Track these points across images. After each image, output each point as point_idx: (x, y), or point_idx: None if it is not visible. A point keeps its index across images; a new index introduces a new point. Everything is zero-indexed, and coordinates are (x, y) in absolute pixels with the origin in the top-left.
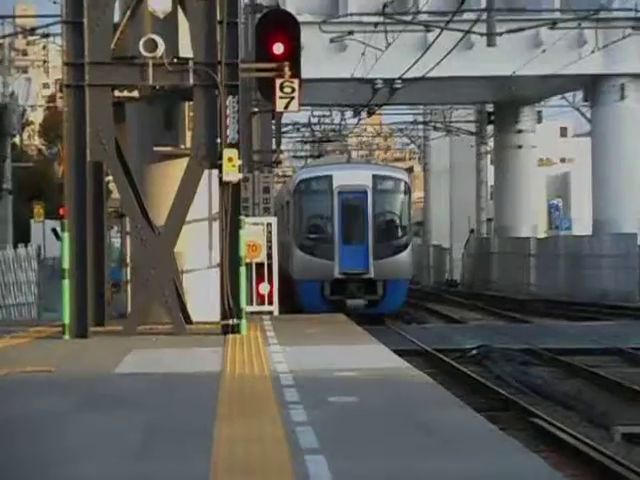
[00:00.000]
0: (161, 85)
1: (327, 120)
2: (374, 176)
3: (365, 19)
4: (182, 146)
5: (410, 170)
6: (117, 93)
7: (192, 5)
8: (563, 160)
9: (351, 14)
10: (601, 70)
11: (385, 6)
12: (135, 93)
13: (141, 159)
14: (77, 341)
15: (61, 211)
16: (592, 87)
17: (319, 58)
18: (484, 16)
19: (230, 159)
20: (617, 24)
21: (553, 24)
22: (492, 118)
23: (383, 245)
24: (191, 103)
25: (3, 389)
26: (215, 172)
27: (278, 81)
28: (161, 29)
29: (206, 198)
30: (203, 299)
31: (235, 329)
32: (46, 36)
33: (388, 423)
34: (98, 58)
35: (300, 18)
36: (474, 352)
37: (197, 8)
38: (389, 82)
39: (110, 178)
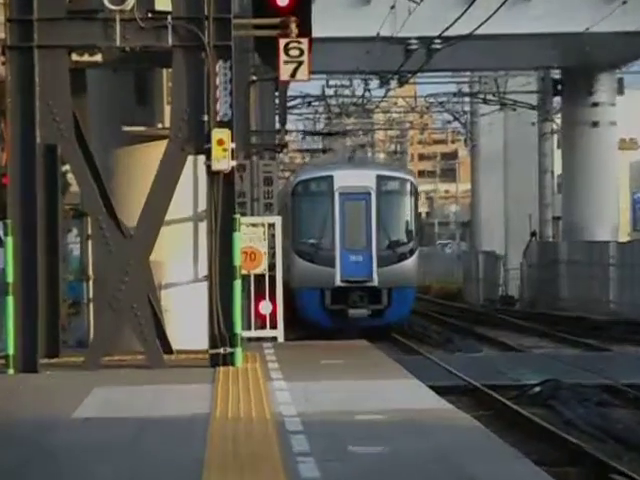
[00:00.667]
0: (131, 47)
1: (346, 92)
2: (378, 176)
3: None
4: (159, 125)
5: (453, 156)
6: (75, 57)
7: None
8: None
9: None
10: None
11: None
12: (98, 57)
13: (107, 142)
14: (24, 377)
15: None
16: None
17: (335, 11)
18: None
19: (221, 142)
20: None
21: None
22: (559, 88)
23: (388, 251)
24: (170, 70)
25: None
26: (202, 159)
27: (282, 41)
28: None
29: (190, 192)
30: (187, 322)
31: (228, 360)
32: None
33: None
34: (50, 13)
35: None
36: (537, 389)
37: None
38: (426, 42)
39: (67, 167)
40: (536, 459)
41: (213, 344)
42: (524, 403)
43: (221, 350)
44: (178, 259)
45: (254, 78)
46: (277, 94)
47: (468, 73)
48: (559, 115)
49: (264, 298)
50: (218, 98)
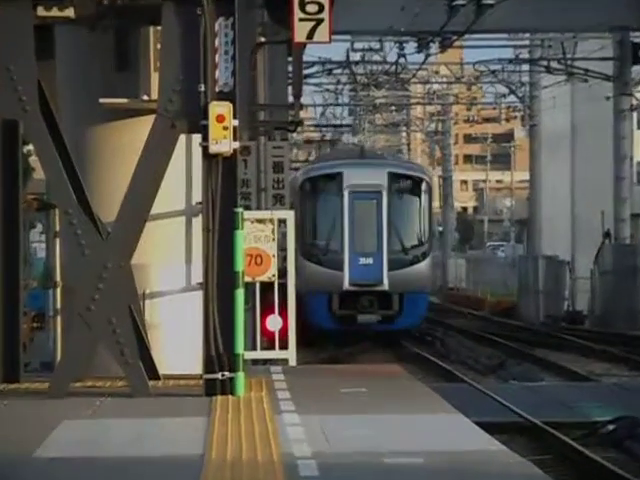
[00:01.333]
0: None
1: (376, 57)
2: (390, 174)
3: None
4: (144, 97)
5: (508, 138)
6: (41, 11)
7: None
8: None
9: None
10: None
11: None
12: (70, 12)
13: (80, 118)
14: None
15: None
16: None
17: None
18: None
19: (220, 118)
20: None
21: None
22: None
23: (399, 254)
24: (159, 29)
25: None
26: (197, 138)
27: None
28: None
29: (182, 180)
30: (177, 340)
31: (227, 387)
32: None
33: None
34: None
35: None
36: (610, 428)
37: None
38: None
39: (30, 147)
40: None
41: (209, 368)
42: (594, 444)
43: (219, 375)
44: (167, 263)
45: (262, 40)
46: (290, 60)
47: (527, 35)
48: None
49: (272, 311)
50: (217, 64)
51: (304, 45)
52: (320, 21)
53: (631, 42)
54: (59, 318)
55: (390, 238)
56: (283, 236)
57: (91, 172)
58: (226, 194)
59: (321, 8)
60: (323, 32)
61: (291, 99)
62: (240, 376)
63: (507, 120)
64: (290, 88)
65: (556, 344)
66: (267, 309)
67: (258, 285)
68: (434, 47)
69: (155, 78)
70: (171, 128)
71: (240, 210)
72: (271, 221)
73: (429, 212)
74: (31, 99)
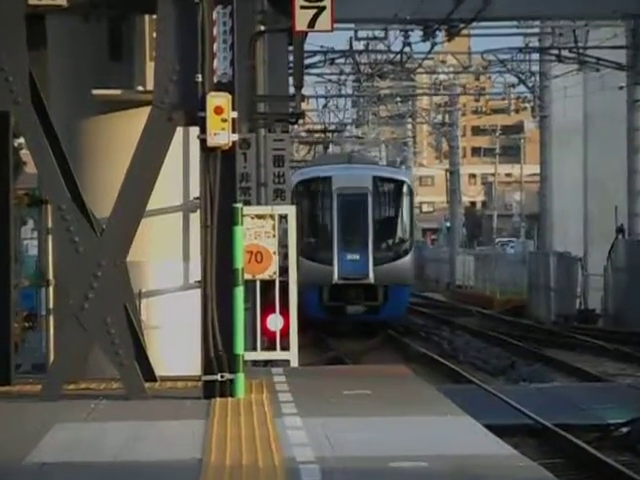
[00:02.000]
0: None
1: (380, 46)
2: (375, 178)
3: None
4: (139, 88)
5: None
6: (33, 0)
7: None
8: None
9: None
10: None
11: None
12: (62, 0)
13: (73, 110)
14: None
15: None
16: None
17: None
18: None
19: (219, 110)
20: None
21: None
22: None
23: (384, 250)
24: (154, 17)
25: None
26: (194, 131)
27: None
28: None
29: (180, 174)
30: (174, 340)
31: (226, 390)
32: None
33: None
34: None
35: None
36: (624, 430)
37: None
38: None
39: (21, 140)
40: None
41: (208, 369)
42: (608, 448)
43: (218, 377)
44: (163, 260)
45: (262, 28)
46: (291, 49)
47: (538, 23)
48: None
49: (273, 310)
50: (215, 53)
51: (305, 34)
52: (322, 9)
53: None
54: (52, 318)
55: (375, 235)
56: (284, 232)
57: (85, 166)
58: (225, 189)
59: None
60: (325, 20)
61: (292, 90)
62: (240, 378)
63: (517, 111)
64: (291, 79)
65: (568, 344)
66: (268, 308)
67: (258, 283)
68: (440, 35)
69: (150, 68)
70: (167, 120)
71: (239, 205)
72: (272, 217)
73: (410, 211)
74: (22, 90)
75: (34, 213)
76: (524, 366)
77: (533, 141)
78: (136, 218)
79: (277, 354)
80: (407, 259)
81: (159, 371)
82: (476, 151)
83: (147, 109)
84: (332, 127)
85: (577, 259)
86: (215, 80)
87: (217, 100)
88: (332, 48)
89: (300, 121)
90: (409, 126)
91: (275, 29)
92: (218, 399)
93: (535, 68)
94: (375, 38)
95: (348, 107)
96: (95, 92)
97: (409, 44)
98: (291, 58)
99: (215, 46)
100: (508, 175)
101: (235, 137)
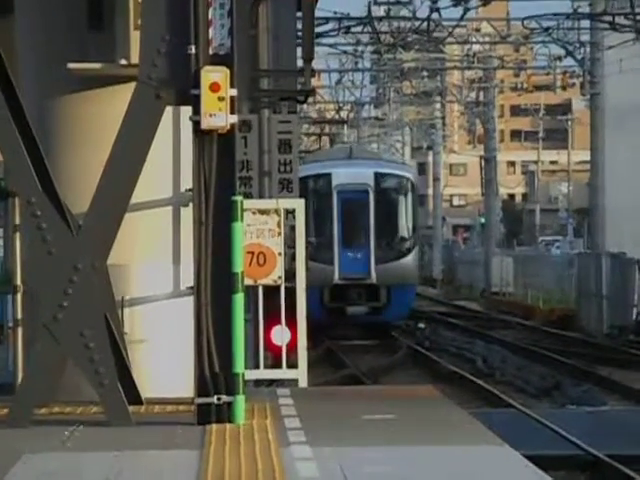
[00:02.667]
0: None
1: (404, 12)
2: (376, 174)
3: None
4: (122, 61)
5: (565, 110)
6: None
7: None
8: None
9: None
10: None
11: None
12: None
13: (44, 87)
14: None
15: None
16: None
17: None
18: None
19: (215, 86)
20: None
21: None
22: None
23: (386, 248)
24: None
25: None
26: (187, 111)
27: None
28: None
29: (169, 162)
30: (163, 356)
31: (224, 414)
32: None
33: None
34: None
35: None
36: None
37: None
38: None
39: None
40: None
41: (202, 390)
42: None
43: (214, 399)
44: (150, 263)
45: None
46: (300, 16)
47: None
48: None
49: (279, 322)
50: (211, 21)
51: None
52: None
53: None
54: (20, 330)
55: (377, 234)
56: (291, 229)
57: (58, 153)
58: (222, 179)
59: None
60: None
61: (300, 63)
62: (239, 400)
63: (563, 88)
64: (299, 50)
65: (622, 360)
66: (272, 319)
67: (261, 289)
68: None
69: (135, 38)
70: (155, 99)
71: (239, 199)
72: (276, 212)
73: (413, 208)
74: None
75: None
76: (571, 387)
77: (582, 123)
78: (118, 214)
79: (283, 372)
80: (410, 258)
81: (145, 393)
82: (516, 135)
83: (132, 85)
84: (347, 107)
85: (634, 261)
86: (211, 52)
87: (213, 75)
88: (347, 14)
89: (310, 99)
90: (437, 105)
91: None
92: (214, 425)
93: (585, 37)
94: (398, 2)
95: (366, 83)
96: (71, 66)
97: (437, 9)
98: (299, 26)
99: (211, 12)
100: (553, 163)
101: (234, 119)
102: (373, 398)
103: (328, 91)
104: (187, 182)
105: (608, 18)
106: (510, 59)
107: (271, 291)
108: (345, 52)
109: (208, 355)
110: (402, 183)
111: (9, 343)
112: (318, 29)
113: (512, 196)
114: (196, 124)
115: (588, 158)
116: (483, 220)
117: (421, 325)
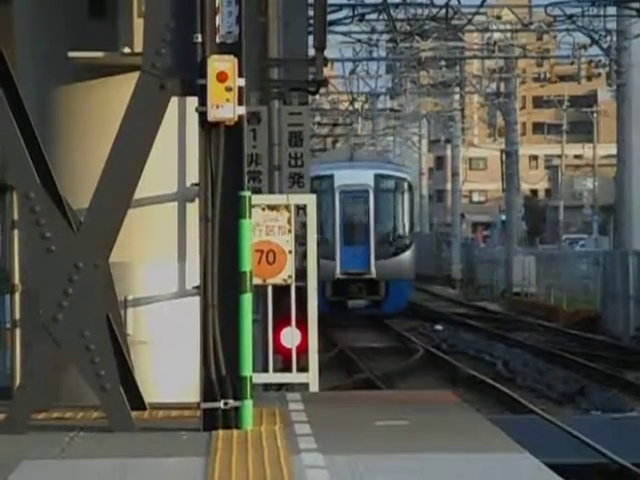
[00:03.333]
0: None
1: None
2: (376, 175)
3: None
4: (125, 50)
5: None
6: None
7: None
8: None
9: None
10: None
11: None
12: None
13: (44, 77)
14: None
15: None
16: None
17: None
18: None
19: (222, 76)
20: None
21: None
22: None
23: (385, 245)
24: None
25: None
26: (193, 102)
27: None
28: None
29: (174, 155)
30: (167, 359)
31: (231, 420)
32: None
33: None
34: None
35: None
36: None
37: None
38: None
39: None
40: None
41: (208, 395)
42: None
43: (220, 404)
44: (154, 261)
45: None
46: (311, 2)
47: None
48: None
49: (289, 323)
50: (218, 7)
51: None
52: None
53: None
54: (18, 331)
55: (376, 231)
56: (303, 226)
57: (58, 146)
58: (229, 173)
59: None
60: None
61: (312, 52)
62: (247, 405)
63: (588, 78)
64: (311, 38)
65: None
66: (282, 320)
67: (270, 289)
68: None
69: (139, 26)
70: (160, 89)
71: (247, 194)
72: (287, 208)
73: (411, 207)
74: None
75: None
76: (596, 392)
77: (609, 115)
78: (121, 210)
79: (293, 376)
80: (408, 254)
81: (149, 397)
82: (538, 127)
83: (135, 75)
84: (361, 98)
85: None
86: (218, 40)
87: (220, 65)
88: (362, 1)
89: (322, 90)
90: (456, 97)
91: None
92: (221, 431)
93: (611, 25)
94: None
95: (381, 73)
96: (72, 55)
97: None
98: (311, 13)
99: (217, 0)
100: (578, 157)
101: (242, 110)
102: (388, 403)
103: (341, 81)
104: (193, 176)
105: (636, 5)
106: (532, 48)
107: (281, 291)
108: (359, 40)
109: (214, 358)
110: (400, 184)
111: (6, 345)
112: (331, 16)
113: (534, 192)
114: (202, 115)
115: (614, 152)
116: (504, 217)
117: (438, 327)
